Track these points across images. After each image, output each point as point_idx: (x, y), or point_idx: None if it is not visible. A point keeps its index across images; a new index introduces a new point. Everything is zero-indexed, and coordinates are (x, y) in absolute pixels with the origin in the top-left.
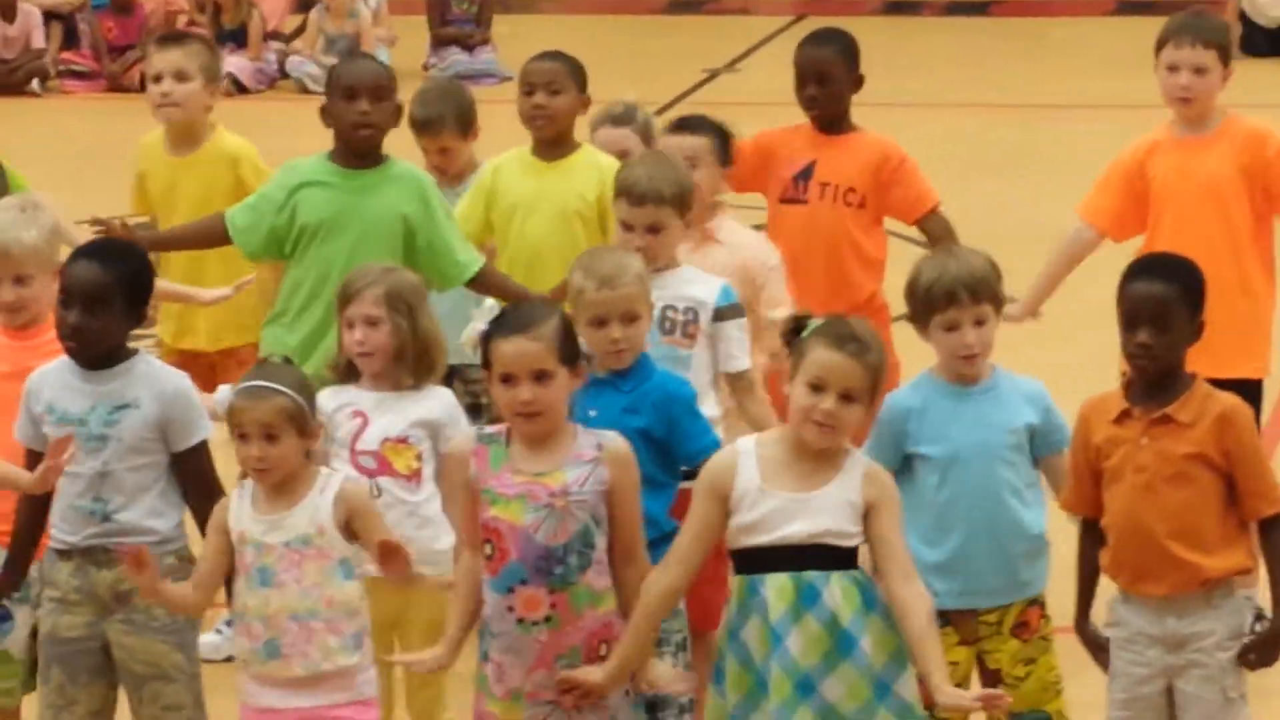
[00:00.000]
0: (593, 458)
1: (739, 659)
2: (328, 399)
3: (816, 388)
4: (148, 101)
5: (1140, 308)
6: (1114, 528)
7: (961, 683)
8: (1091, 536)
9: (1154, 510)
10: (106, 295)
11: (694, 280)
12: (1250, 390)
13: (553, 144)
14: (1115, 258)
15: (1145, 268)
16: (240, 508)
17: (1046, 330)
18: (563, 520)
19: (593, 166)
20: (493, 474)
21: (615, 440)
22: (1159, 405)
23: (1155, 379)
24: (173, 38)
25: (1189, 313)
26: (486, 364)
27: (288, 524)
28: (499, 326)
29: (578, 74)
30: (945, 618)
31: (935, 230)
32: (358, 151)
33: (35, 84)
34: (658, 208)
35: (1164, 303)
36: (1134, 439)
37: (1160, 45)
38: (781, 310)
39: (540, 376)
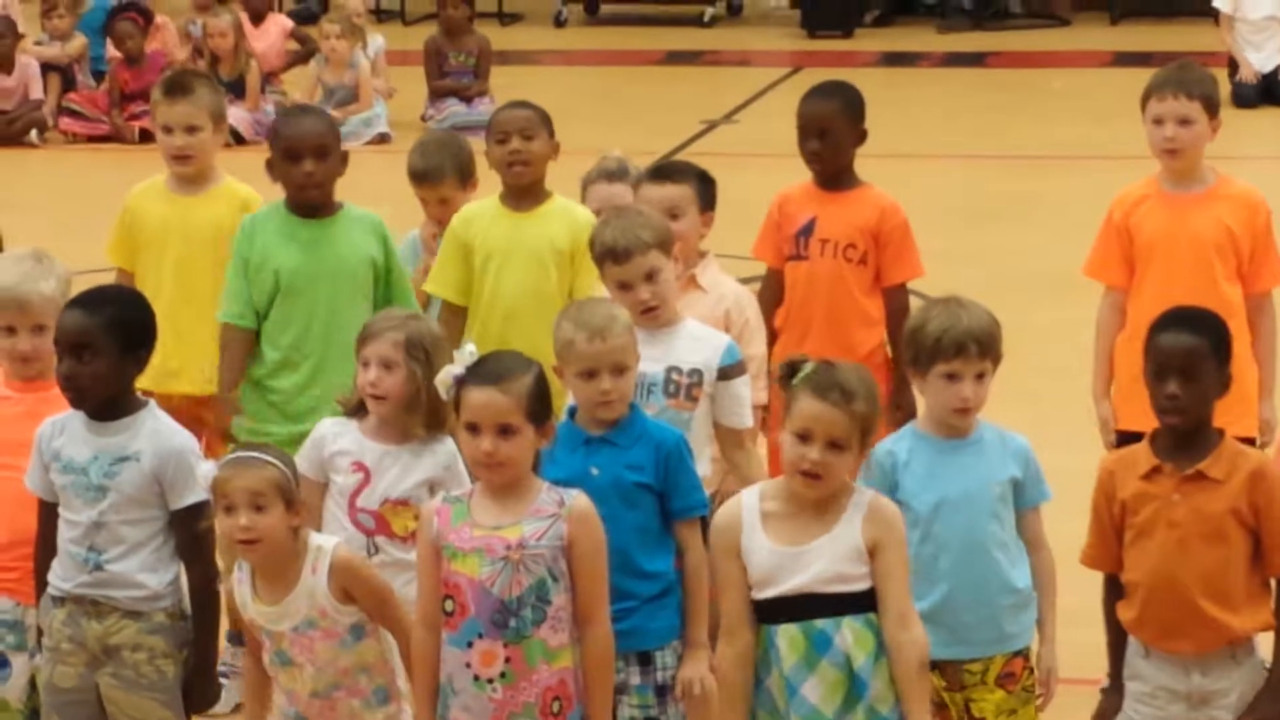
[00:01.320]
0: (553, 513)
1: (766, 709)
2: (330, 430)
3: (803, 438)
4: (161, 151)
5: (1169, 360)
6: (1143, 585)
7: None
8: (1115, 593)
9: (1187, 568)
10: (92, 342)
11: (698, 338)
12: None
13: (526, 192)
14: (1082, 309)
15: (1173, 320)
16: (243, 593)
17: (1022, 385)
18: (516, 573)
19: (566, 214)
20: (453, 529)
21: (578, 498)
22: (1190, 461)
23: (1185, 432)
24: (179, 87)
25: (1217, 364)
26: (456, 408)
27: (291, 611)
28: (473, 374)
29: (548, 121)
30: (932, 664)
31: (896, 303)
32: (307, 208)
33: (33, 135)
34: (645, 255)
35: (1193, 354)
36: (1165, 495)
37: (1146, 99)
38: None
39: (504, 430)
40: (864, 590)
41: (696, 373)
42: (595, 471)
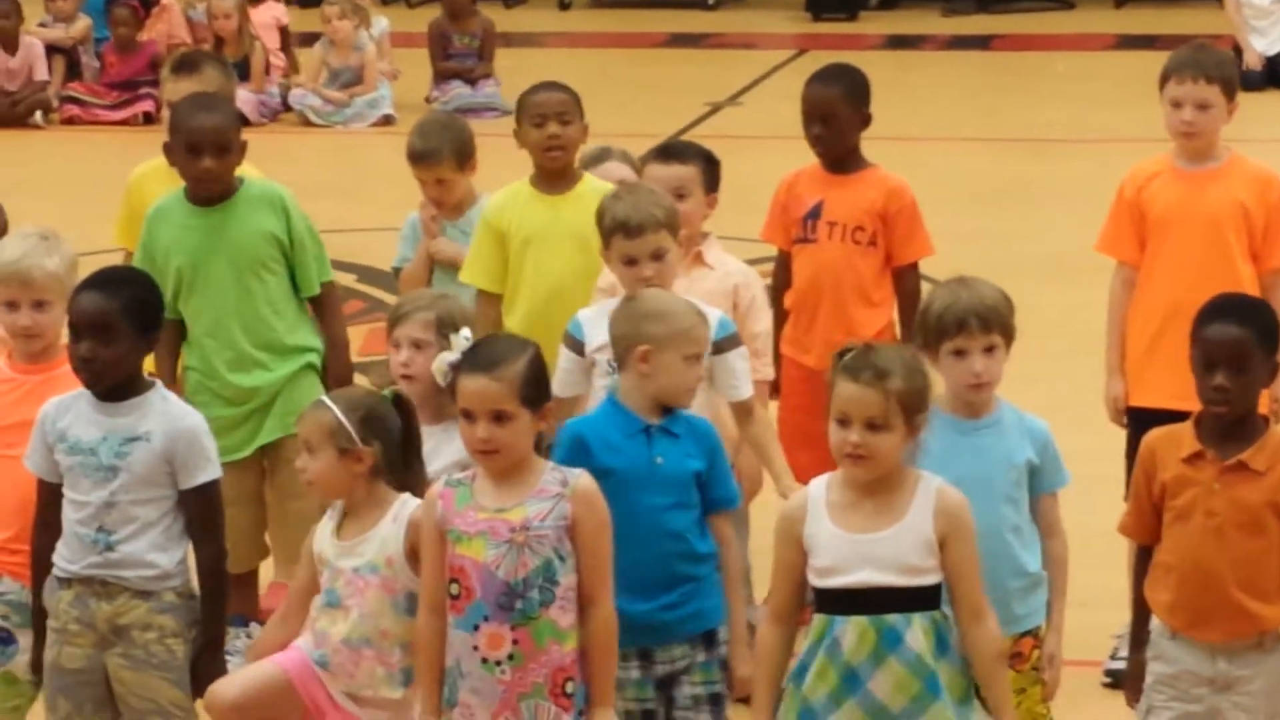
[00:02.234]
0: (556, 493)
1: (809, 689)
2: None
3: (842, 422)
4: (164, 126)
5: (1217, 350)
6: (1176, 570)
7: None
8: (1144, 565)
9: (1223, 557)
10: (114, 323)
11: None
12: None
13: (560, 175)
14: (1086, 291)
15: (1220, 310)
16: (324, 530)
17: (1027, 366)
18: (522, 555)
19: (599, 194)
20: (457, 513)
21: (581, 478)
22: (1234, 451)
23: (1232, 422)
24: (187, 65)
25: (1265, 354)
26: (453, 395)
27: (360, 550)
28: (466, 361)
29: (580, 103)
30: None
31: (907, 284)
32: (207, 199)
33: (38, 116)
34: (656, 233)
35: (1241, 344)
36: (1206, 482)
37: (1164, 80)
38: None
39: (499, 417)
40: (933, 584)
41: None
42: (660, 460)
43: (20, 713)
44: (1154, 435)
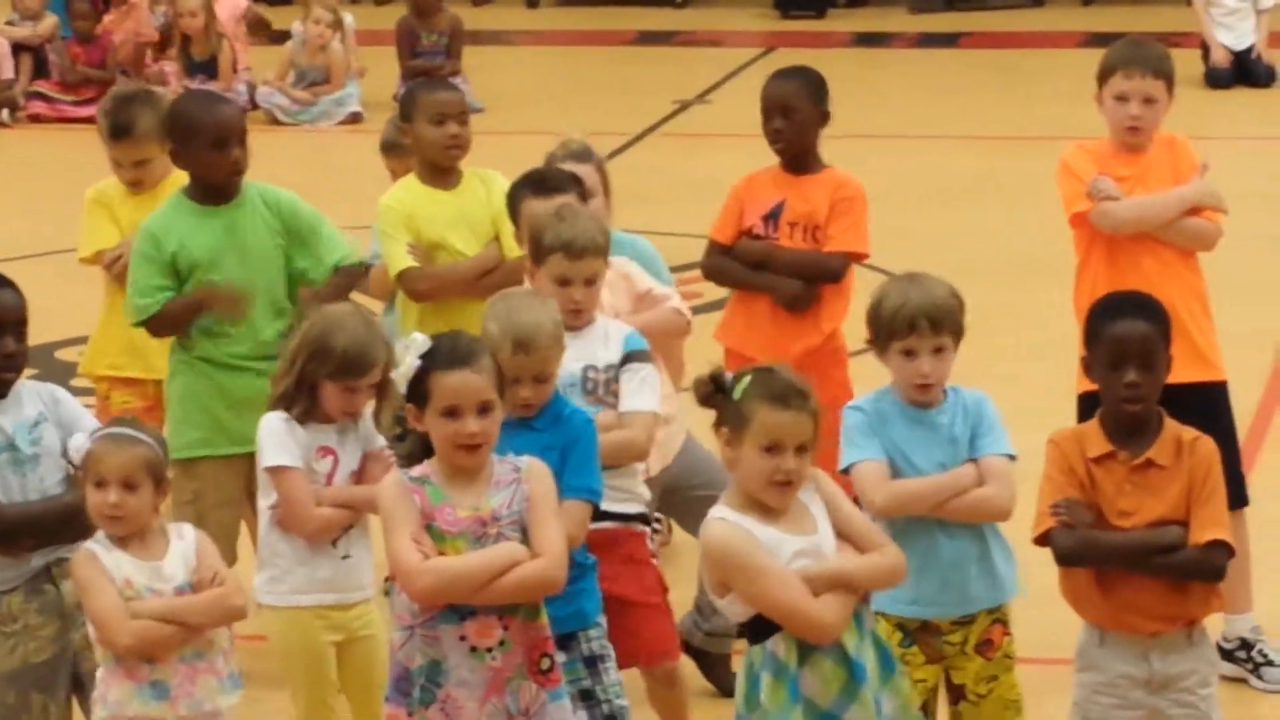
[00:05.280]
0: (512, 479)
1: (819, 697)
2: (303, 434)
3: (772, 449)
4: (113, 170)
5: (1127, 348)
6: (1096, 572)
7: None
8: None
9: None
10: (26, 319)
11: (611, 336)
12: (1215, 393)
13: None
14: (1053, 291)
15: (1121, 307)
16: (115, 558)
17: (996, 366)
18: (497, 545)
19: None
20: (434, 508)
21: (531, 460)
22: (1140, 448)
23: (1143, 418)
24: (121, 130)
25: (1166, 348)
26: (422, 397)
27: (167, 572)
28: (437, 360)
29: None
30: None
31: (832, 263)
32: (225, 192)
33: (4, 114)
34: (595, 258)
35: (1149, 340)
36: (1118, 483)
37: (1107, 74)
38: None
39: (485, 408)
40: None
41: (612, 368)
42: (511, 455)
43: None
44: (1058, 435)
